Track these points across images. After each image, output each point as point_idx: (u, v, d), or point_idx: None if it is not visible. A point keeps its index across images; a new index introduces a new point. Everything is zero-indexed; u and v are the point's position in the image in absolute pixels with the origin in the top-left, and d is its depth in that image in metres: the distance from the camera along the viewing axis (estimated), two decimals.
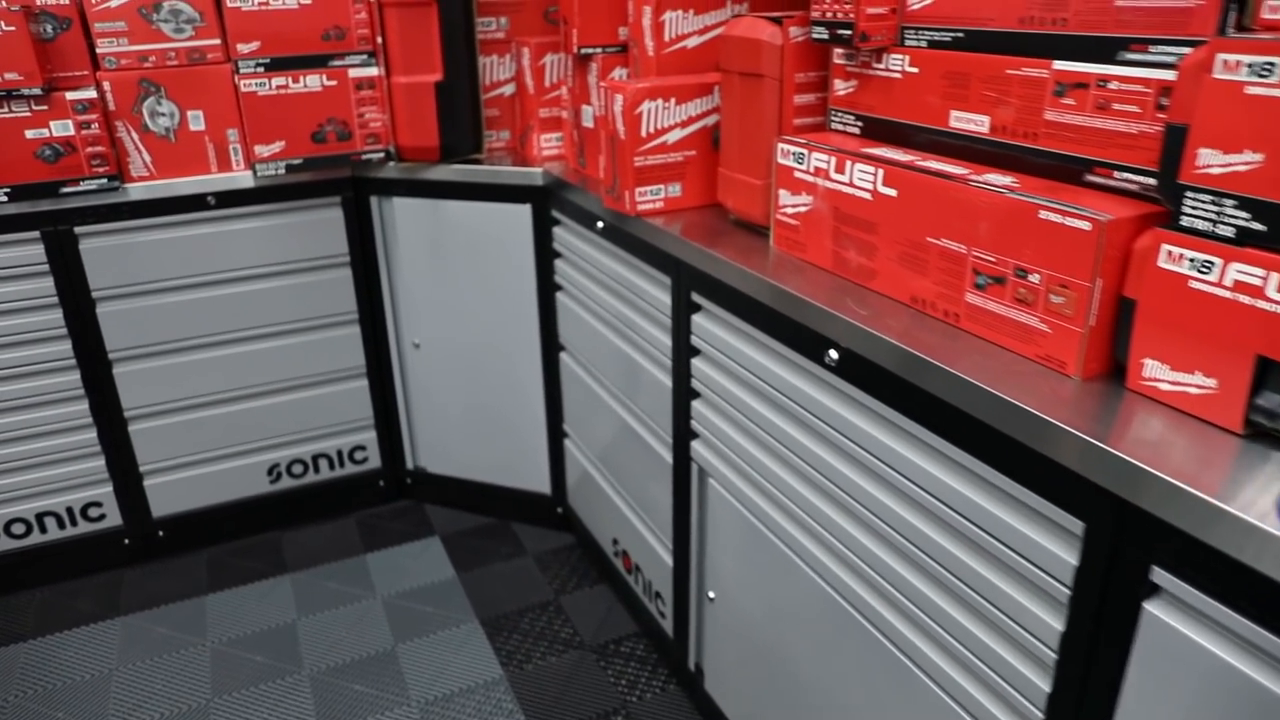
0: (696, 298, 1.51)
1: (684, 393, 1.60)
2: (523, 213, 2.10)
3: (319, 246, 2.24)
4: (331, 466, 2.46)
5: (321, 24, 2.04)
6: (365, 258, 2.30)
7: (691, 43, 1.66)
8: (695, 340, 1.53)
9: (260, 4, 1.98)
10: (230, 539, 2.42)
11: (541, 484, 2.39)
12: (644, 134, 1.57)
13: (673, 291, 1.58)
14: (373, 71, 2.10)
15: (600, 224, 1.79)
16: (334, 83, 2.08)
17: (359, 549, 2.39)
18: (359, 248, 2.28)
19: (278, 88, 2.04)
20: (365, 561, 2.33)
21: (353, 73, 2.09)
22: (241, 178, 2.11)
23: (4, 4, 1.83)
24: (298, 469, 2.42)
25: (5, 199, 1.92)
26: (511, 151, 2.24)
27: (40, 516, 2.17)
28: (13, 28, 1.82)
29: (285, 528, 2.47)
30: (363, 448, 2.48)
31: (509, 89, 2.21)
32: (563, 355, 2.18)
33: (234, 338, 2.23)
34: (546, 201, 2.07)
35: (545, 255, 2.12)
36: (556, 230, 2.07)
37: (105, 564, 2.30)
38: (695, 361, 1.55)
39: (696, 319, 1.52)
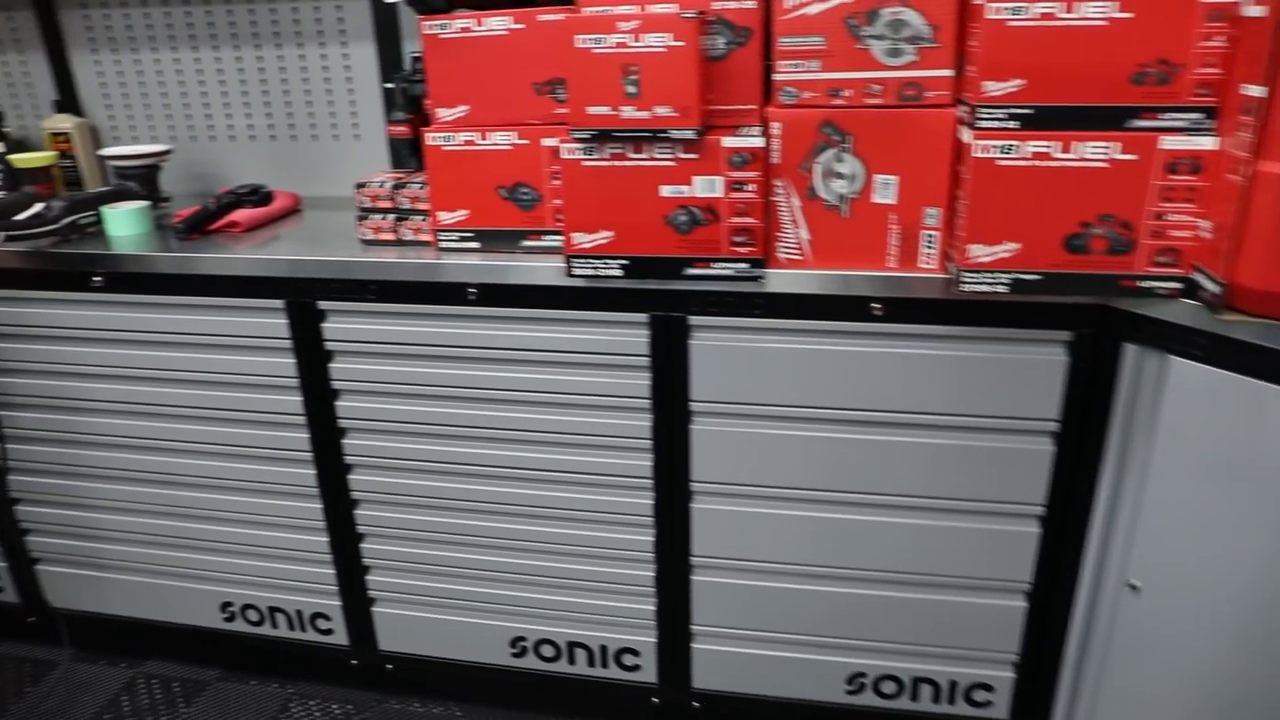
0: None
1: None
2: None
3: (1009, 399, 1.40)
4: (938, 698, 1.65)
5: (1136, 55, 1.16)
6: (1084, 432, 1.41)
7: None
8: None
9: (1042, 16, 1.17)
10: None
11: None
12: None
13: None
14: (1206, 144, 1.17)
15: None
16: (1131, 156, 1.19)
17: None
18: (1078, 415, 1.39)
19: (1034, 156, 1.22)
20: None
21: (1167, 143, 1.18)
22: (929, 280, 1.35)
23: (674, 8, 1.27)
24: (888, 687, 1.66)
25: (620, 272, 1.41)
26: None
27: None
28: (681, 43, 1.26)
29: None
30: (987, 688, 1.62)
31: None
32: None
33: (845, 498, 1.51)
34: None
35: None
36: None
37: None
38: None
39: None
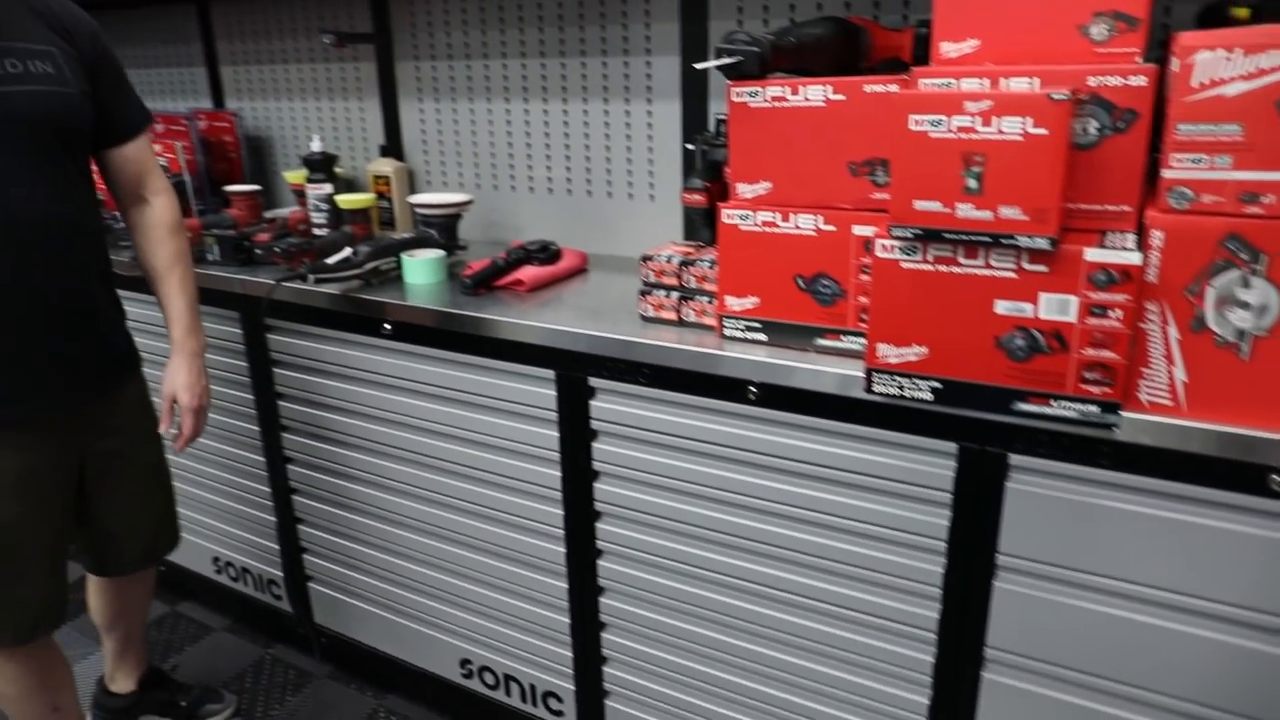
0: None
1: None
2: None
3: None
4: None
5: None
6: None
7: None
8: None
9: None
10: None
11: None
12: None
13: None
14: None
15: None
16: None
17: None
18: None
19: None
20: None
21: None
22: None
23: (1038, 84, 1.02)
24: None
25: (930, 396, 1.17)
26: None
27: None
28: (1043, 131, 1.02)
29: None
30: None
31: None
32: None
33: (1196, 712, 1.16)
34: None
35: None
36: None
37: None
38: None
39: None
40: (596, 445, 1.55)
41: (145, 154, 1.59)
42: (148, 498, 1.73)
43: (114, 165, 1.56)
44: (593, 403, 1.53)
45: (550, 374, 1.55)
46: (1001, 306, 1.10)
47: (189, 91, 2.74)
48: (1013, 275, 1.08)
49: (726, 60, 1.30)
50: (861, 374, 1.23)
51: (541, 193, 2.11)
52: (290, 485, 2.08)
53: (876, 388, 1.21)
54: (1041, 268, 1.07)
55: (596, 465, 1.56)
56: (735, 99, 1.32)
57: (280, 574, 2.19)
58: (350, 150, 2.42)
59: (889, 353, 1.18)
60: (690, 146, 1.85)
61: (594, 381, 1.51)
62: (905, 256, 1.14)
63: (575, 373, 1.52)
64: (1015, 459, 1.18)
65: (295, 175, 2.24)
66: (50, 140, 1.39)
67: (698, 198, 1.62)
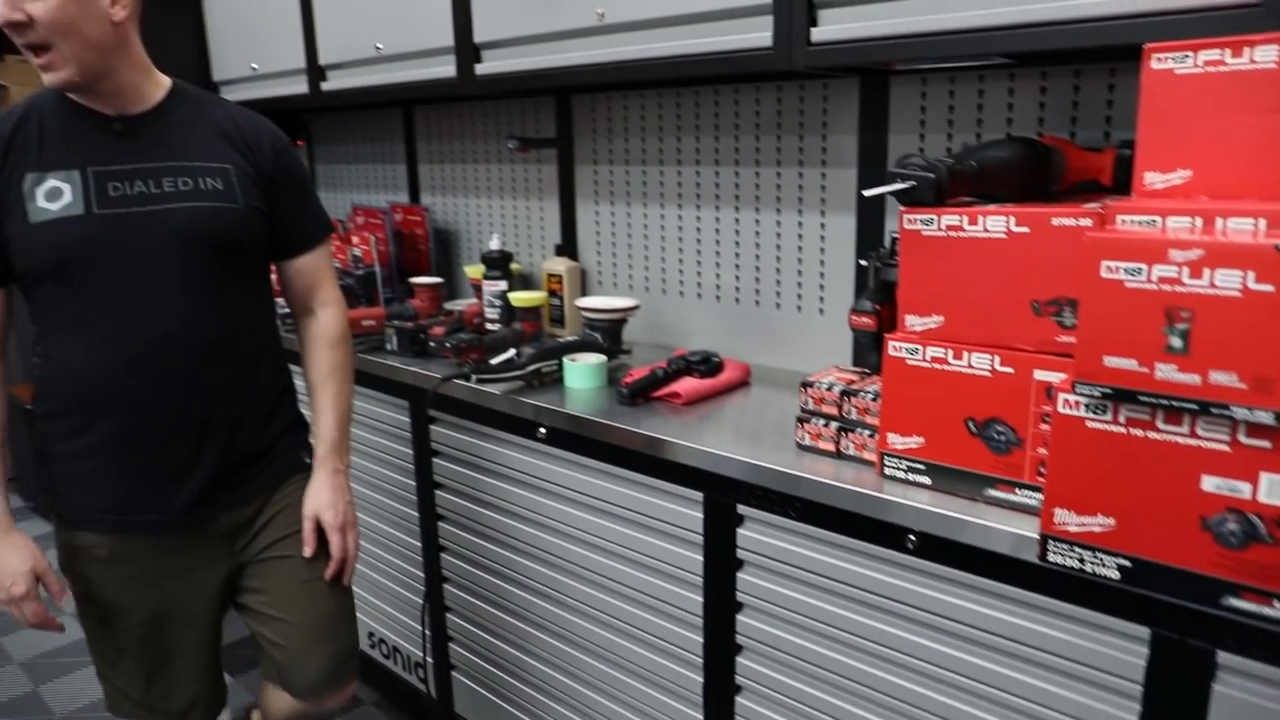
0: None
1: None
2: None
3: None
4: None
5: None
6: None
7: None
8: None
9: None
10: None
11: None
12: None
13: None
14: None
15: None
16: None
17: None
18: None
19: None
20: None
21: None
22: None
23: (1262, 227, 0.89)
24: None
25: (1116, 574, 1.02)
26: None
27: None
28: (1268, 288, 0.88)
29: None
30: None
31: None
32: None
33: None
34: None
35: None
36: None
37: None
38: None
39: None
40: (741, 575, 1.47)
41: (318, 266, 1.60)
42: (311, 607, 1.58)
43: (287, 276, 1.59)
44: (740, 531, 1.45)
45: (698, 496, 1.50)
46: (1210, 483, 0.94)
47: (391, 186, 2.94)
48: (1225, 449, 0.93)
49: (898, 186, 1.23)
50: (1035, 530, 1.09)
51: (709, 299, 2.08)
52: (442, 574, 2.11)
53: (1052, 557, 1.07)
54: (1263, 443, 0.91)
55: (740, 596, 1.48)
56: (907, 226, 1.25)
57: (427, 658, 2.21)
58: (529, 247, 2.50)
59: (1068, 520, 1.04)
60: (863, 263, 1.77)
61: (742, 509, 1.44)
62: (1092, 415, 1.01)
63: (724, 498, 1.46)
64: (1225, 658, 1.01)
65: (474, 270, 2.33)
66: (209, 255, 1.41)
67: (866, 320, 1.53)
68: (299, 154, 1.57)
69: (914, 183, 1.22)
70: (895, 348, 1.27)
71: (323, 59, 2.42)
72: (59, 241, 1.34)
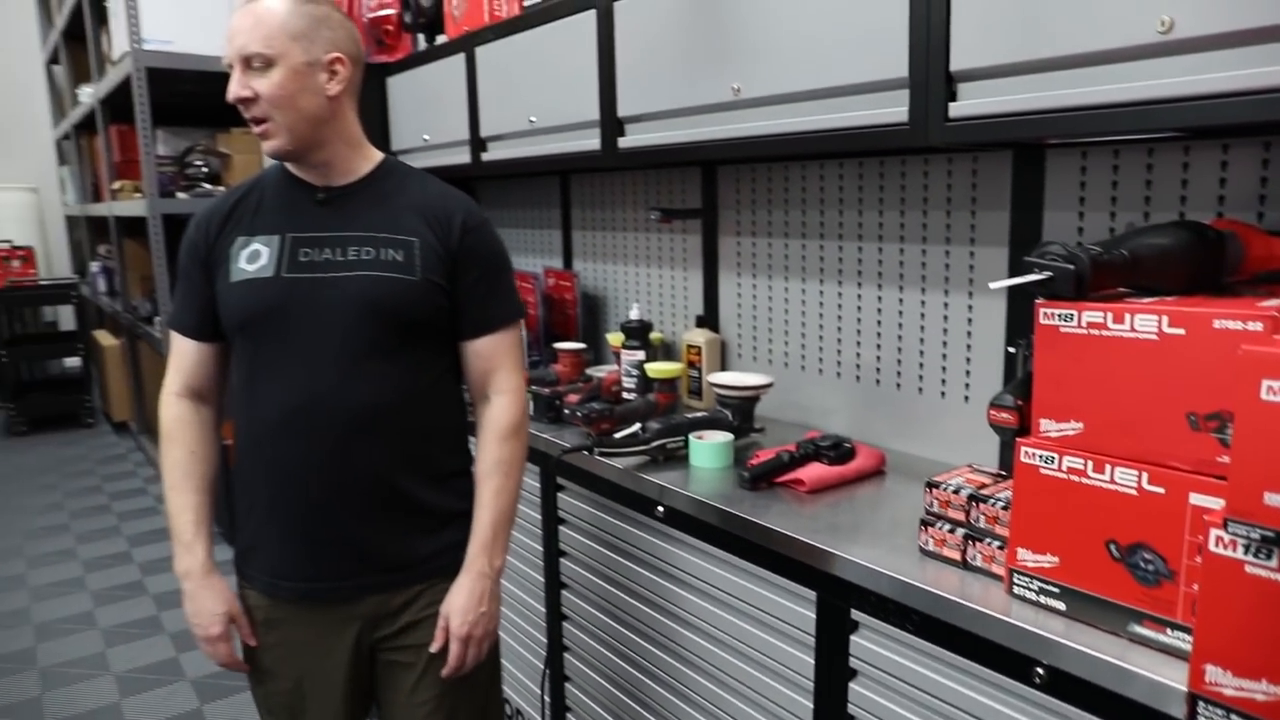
0: None
1: None
2: None
3: None
4: None
5: None
6: None
7: None
8: None
9: None
10: None
11: None
12: None
13: None
14: None
15: None
16: None
17: None
18: None
19: None
20: None
21: None
22: None
23: None
24: None
25: None
26: None
27: None
28: None
29: None
30: None
31: None
32: None
33: None
34: None
35: None
36: None
37: None
38: None
39: None
40: (854, 686, 1.36)
41: (498, 350, 1.50)
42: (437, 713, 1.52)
43: (465, 358, 1.51)
44: (854, 638, 1.35)
45: (811, 595, 1.41)
46: None
47: (547, 251, 3.02)
48: None
49: (1032, 278, 1.12)
50: (1183, 680, 0.94)
51: (849, 379, 1.98)
52: (564, 643, 2.09)
53: (1202, 718, 0.91)
54: None
55: (852, 709, 1.37)
56: (1044, 321, 1.13)
57: None
58: (672, 316, 2.48)
59: (1223, 681, 0.89)
60: (1012, 350, 1.63)
61: (857, 614, 1.34)
62: (1251, 559, 0.86)
63: (838, 600, 1.36)
64: None
65: (615, 337, 2.34)
66: (375, 325, 1.40)
67: (1006, 416, 1.39)
68: (496, 236, 1.54)
69: (1050, 274, 1.11)
70: (1028, 454, 1.15)
71: (484, 131, 2.53)
72: (247, 302, 1.42)
